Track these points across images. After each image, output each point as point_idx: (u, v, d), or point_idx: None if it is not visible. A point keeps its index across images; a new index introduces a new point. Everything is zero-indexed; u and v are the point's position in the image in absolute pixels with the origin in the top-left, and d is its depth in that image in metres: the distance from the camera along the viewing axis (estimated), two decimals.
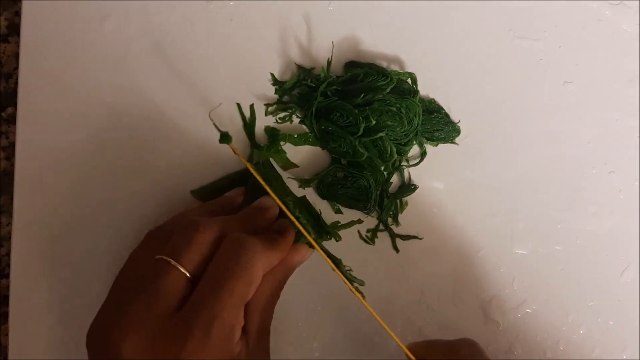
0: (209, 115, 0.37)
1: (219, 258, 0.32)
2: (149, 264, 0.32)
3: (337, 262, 0.38)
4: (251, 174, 0.38)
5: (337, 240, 0.41)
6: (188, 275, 0.32)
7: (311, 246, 0.38)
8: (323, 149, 0.43)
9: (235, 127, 0.42)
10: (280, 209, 0.37)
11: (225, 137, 0.37)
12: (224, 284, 0.31)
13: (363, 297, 0.37)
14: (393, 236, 0.42)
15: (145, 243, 0.35)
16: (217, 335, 0.30)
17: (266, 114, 0.42)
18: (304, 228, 0.36)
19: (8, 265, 0.40)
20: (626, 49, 0.46)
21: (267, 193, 0.38)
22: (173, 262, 0.32)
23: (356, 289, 0.38)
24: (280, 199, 0.37)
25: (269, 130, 0.42)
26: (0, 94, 0.44)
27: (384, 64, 0.44)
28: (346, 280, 0.36)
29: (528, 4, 0.45)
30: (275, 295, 0.35)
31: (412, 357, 0.33)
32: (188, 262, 0.32)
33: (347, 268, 0.39)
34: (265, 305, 0.34)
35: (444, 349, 0.35)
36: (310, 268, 0.39)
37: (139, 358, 0.29)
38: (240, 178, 0.41)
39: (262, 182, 0.37)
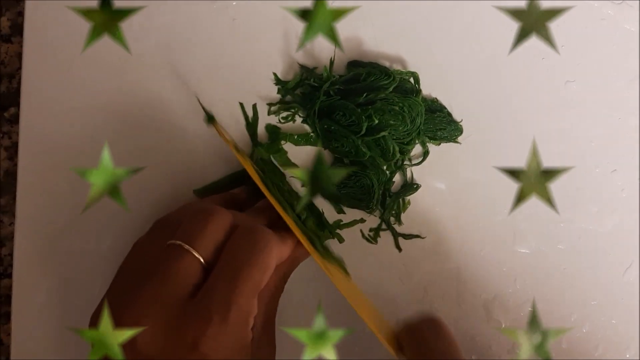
0: (196, 97, 0.37)
1: (233, 245, 0.32)
2: (159, 251, 0.32)
3: (313, 241, 0.37)
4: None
5: (340, 242, 0.41)
6: (202, 261, 0.31)
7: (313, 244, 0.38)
8: (325, 149, 0.43)
9: (238, 128, 0.42)
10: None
11: (211, 119, 0.38)
12: (240, 270, 0.30)
13: (347, 273, 0.37)
14: (395, 235, 0.42)
15: (152, 231, 0.35)
16: (234, 322, 0.30)
17: (269, 114, 0.42)
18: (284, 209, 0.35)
19: (10, 265, 0.40)
20: (629, 48, 0.46)
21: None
22: (187, 246, 0.31)
23: (342, 267, 0.38)
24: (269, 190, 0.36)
25: (270, 129, 0.42)
26: (3, 94, 0.44)
27: (387, 63, 0.44)
28: (319, 260, 0.35)
29: None
30: (279, 288, 0.35)
31: (386, 344, 0.33)
32: (202, 248, 0.31)
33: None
34: (270, 297, 0.34)
35: (409, 332, 0.34)
36: (313, 266, 0.39)
37: (154, 344, 0.29)
38: (243, 177, 0.41)
39: (244, 163, 0.36)
